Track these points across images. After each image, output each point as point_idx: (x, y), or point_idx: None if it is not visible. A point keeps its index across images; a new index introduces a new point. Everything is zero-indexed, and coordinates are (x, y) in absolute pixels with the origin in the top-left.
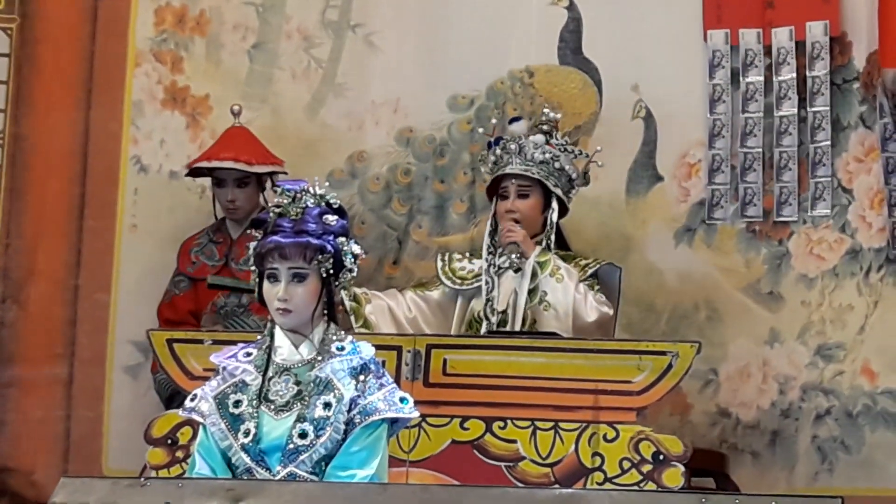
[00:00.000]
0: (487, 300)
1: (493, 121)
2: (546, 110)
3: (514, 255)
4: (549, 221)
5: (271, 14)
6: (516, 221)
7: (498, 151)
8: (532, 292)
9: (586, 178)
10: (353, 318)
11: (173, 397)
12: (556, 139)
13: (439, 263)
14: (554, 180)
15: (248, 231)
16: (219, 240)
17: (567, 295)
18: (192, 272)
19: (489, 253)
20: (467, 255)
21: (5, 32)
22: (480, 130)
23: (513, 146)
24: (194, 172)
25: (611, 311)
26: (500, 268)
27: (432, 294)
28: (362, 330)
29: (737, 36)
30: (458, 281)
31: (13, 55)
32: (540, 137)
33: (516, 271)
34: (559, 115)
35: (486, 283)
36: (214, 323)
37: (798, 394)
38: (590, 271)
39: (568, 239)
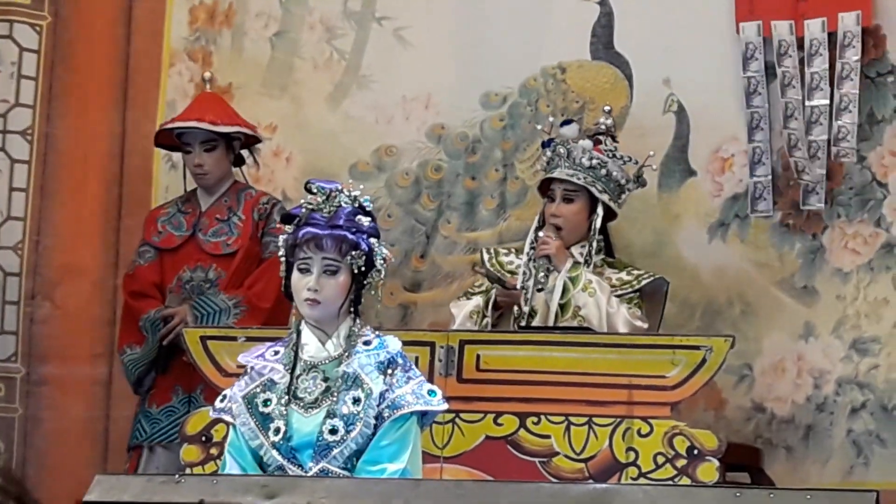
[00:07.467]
0: (523, 287)
1: (551, 118)
2: (602, 119)
3: (541, 272)
4: (592, 227)
5: (293, 3)
6: (558, 228)
7: (549, 154)
8: (564, 307)
9: (641, 181)
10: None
11: (141, 380)
12: (606, 145)
13: (485, 256)
14: (601, 186)
15: (223, 200)
16: (188, 210)
17: (600, 309)
18: (157, 242)
19: (531, 248)
20: (513, 249)
21: (34, 29)
22: (539, 127)
23: (562, 150)
24: (167, 147)
25: (645, 326)
26: (538, 260)
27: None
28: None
29: (769, 28)
30: (509, 275)
31: (43, 53)
32: (587, 143)
33: (540, 290)
34: (612, 122)
35: (524, 273)
36: (180, 302)
37: (833, 388)
38: (637, 286)
39: (613, 245)
